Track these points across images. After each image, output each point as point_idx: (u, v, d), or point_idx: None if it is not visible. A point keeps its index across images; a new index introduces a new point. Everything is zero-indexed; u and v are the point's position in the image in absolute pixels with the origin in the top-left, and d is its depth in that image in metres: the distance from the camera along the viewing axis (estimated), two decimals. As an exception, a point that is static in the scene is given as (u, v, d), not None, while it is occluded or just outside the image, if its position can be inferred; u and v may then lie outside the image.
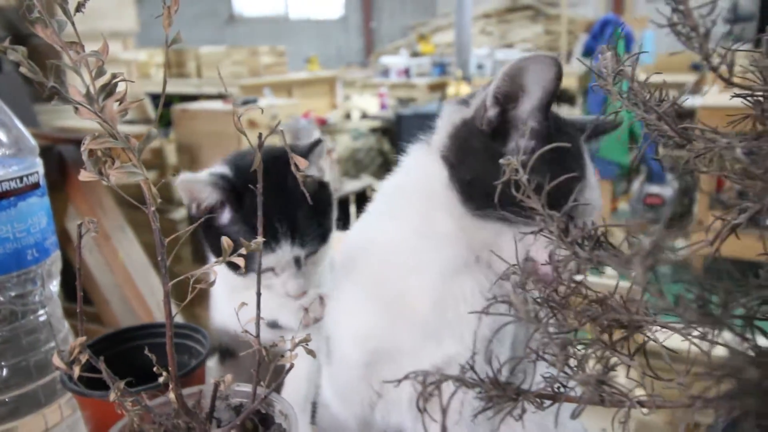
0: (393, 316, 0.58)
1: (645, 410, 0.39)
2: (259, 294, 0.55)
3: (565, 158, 0.50)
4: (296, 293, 0.78)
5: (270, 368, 0.52)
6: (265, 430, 0.56)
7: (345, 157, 4.72)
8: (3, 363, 0.71)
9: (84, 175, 0.43)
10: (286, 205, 0.75)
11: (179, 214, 3.18)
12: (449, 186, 0.53)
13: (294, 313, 0.79)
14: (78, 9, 0.44)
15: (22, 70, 0.37)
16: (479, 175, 0.51)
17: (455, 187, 0.52)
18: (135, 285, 2.41)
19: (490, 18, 8.41)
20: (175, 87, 5.02)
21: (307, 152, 0.77)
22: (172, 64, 5.37)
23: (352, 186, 4.42)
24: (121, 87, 0.42)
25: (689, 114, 0.40)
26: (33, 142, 0.75)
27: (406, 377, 0.35)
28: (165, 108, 4.42)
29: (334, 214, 0.85)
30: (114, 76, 0.42)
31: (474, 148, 0.52)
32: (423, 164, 0.57)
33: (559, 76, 0.47)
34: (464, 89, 5.89)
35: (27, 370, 0.73)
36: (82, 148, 0.41)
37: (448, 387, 0.37)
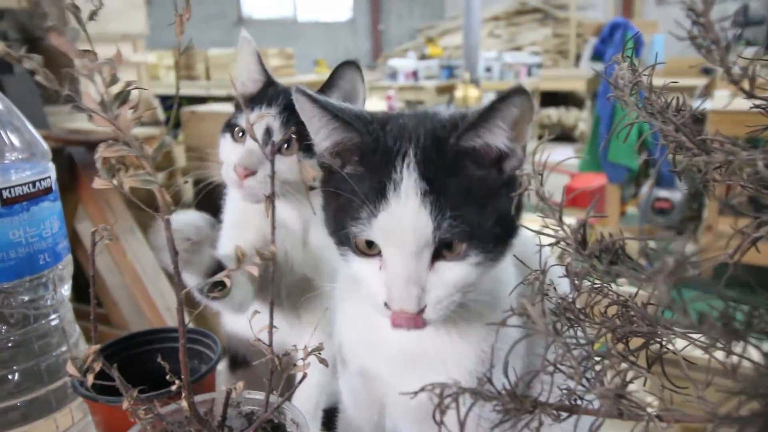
0: (371, 343, 0.59)
1: (663, 425, 0.39)
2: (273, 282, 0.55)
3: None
4: (240, 164, 0.73)
5: (283, 377, 0.52)
6: (277, 437, 0.56)
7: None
8: (15, 367, 0.71)
9: (98, 183, 0.43)
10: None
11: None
12: None
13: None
14: (91, 17, 0.44)
15: (38, 78, 0.37)
16: None
17: None
18: (144, 286, 2.42)
19: (498, 21, 8.39)
20: (183, 89, 5.05)
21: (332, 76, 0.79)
22: (181, 67, 5.38)
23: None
24: (134, 94, 0.42)
25: (700, 118, 0.39)
26: (45, 146, 0.75)
27: (422, 389, 0.35)
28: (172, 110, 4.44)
29: None
30: (128, 84, 0.42)
31: None
32: None
33: None
34: (472, 92, 5.88)
35: (39, 375, 0.73)
36: (95, 156, 0.40)
37: (463, 399, 0.36)
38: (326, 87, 0.78)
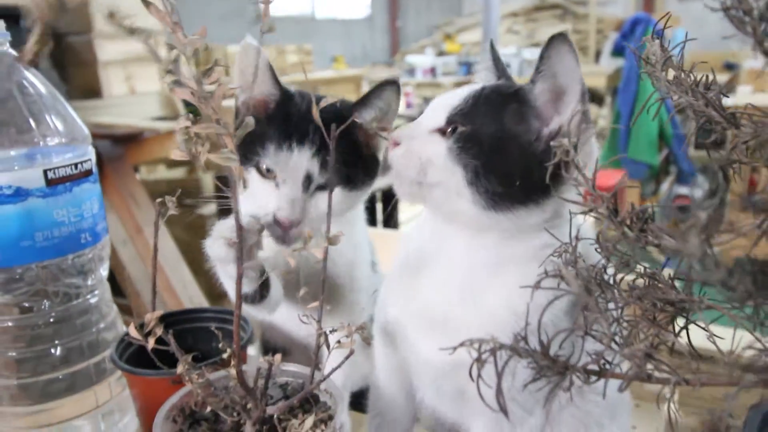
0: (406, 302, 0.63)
1: (690, 388, 0.40)
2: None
3: None
4: (284, 216, 0.69)
5: (329, 354, 0.54)
6: (311, 407, 0.58)
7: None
8: (57, 342, 0.75)
9: (176, 154, 0.45)
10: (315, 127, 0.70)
11: (209, 209, 3.24)
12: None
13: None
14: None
15: (146, 49, 0.39)
16: None
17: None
18: (167, 277, 2.46)
19: (517, 17, 8.36)
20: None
21: (369, 94, 0.72)
22: (200, 62, 5.45)
23: (378, 184, 4.42)
24: (219, 72, 0.44)
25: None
26: (86, 131, 0.78)
27: (462, 344, 0.37)
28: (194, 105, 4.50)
29: (373, 173, 0.78)
30: (216, 62, 0.44)
31: None
32: None
33: None
34: (490, 88, 5.86)
35: (80, 349, 0.76)
36: (178, 128, 0.42)
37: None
38: (362, 104, 0.73)
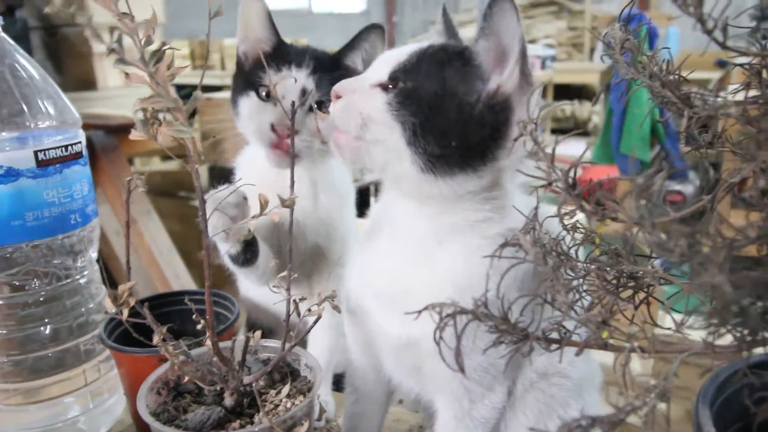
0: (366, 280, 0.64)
1: (645, 355, 0.42)
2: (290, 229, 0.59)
3: None
4: (282, 124, 0.75)
5: (299, 322, 0.56)
6: (292, 381, 0.60)
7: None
8: (47, 320, 0.76)
9: (134, 135, 0.47)
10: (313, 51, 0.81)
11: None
12: None
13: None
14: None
15: (86, 33, 0.41)
16: None
17: None
18: (160, 268, 2.48)
19: (513, 13, 8.35)
20: (199, 78, 5.10)
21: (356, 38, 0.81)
22: (196, 56, 5.45)
23: (372, 176, 4.43)
24: (168, 53, 0.47)
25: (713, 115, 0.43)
26: (76, 114, 0.80)
27: (425, 308, 0.39)
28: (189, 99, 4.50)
29: None
30: (163, 44, 0.47)
31: None
32: None
33: None
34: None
35: (70, 329, 0.78)
36: (134, 108, 0.45)
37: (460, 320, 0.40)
38: (349, 48, 0.81)
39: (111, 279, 2.50)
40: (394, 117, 0.54)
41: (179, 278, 2.52)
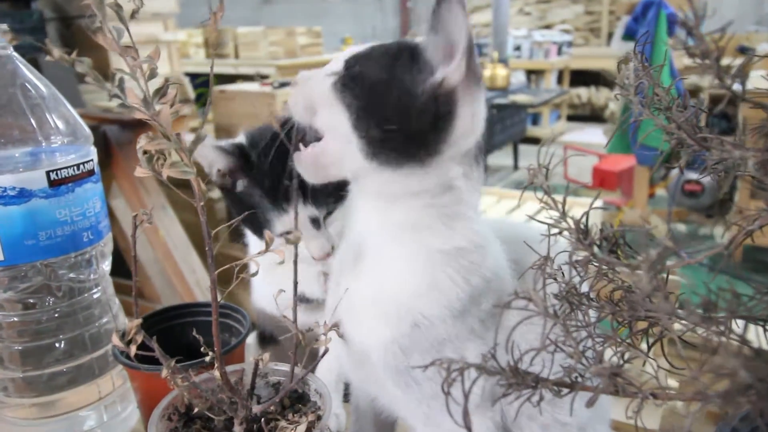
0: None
1: (658, 402, 0.42)
2: (296, 263, 0.59)
3: None
4: (319, 254, 0.76)
5: (306, 351, 0.56)
6: (301, 407, 0.60)
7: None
8: (62, 336, 0.77)
9: (139, 172, 0.47)
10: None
11: (216, 192, 3.27)
12: None
13: (316, 282, 0.80)
14: (132, 15, 0.47)
15: (88, 79, 0.41)
16: None
17: None
18: (175, 261, 2.50)
19: (529, -3, 8.25)
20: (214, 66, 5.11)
21: None
22: (210, 45, 5.45)
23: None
24: (171, 90, 0.46)
25: (736, 97, 0.41)
26: (88, 130, 0.80)
27: (432, 364, 0.38)
28: (203, 88, 4.51)
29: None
30: (166, 80, 0.46)
31: None
32: None
33: None
34: (500, 71, 5.81)
35: (83, 343, 0.79)
36: (138, 147, 0.44)
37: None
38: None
39: (128, 272, 2.53)
40: (339, 98, 0.55)
41: (194, 272, 2.54)
